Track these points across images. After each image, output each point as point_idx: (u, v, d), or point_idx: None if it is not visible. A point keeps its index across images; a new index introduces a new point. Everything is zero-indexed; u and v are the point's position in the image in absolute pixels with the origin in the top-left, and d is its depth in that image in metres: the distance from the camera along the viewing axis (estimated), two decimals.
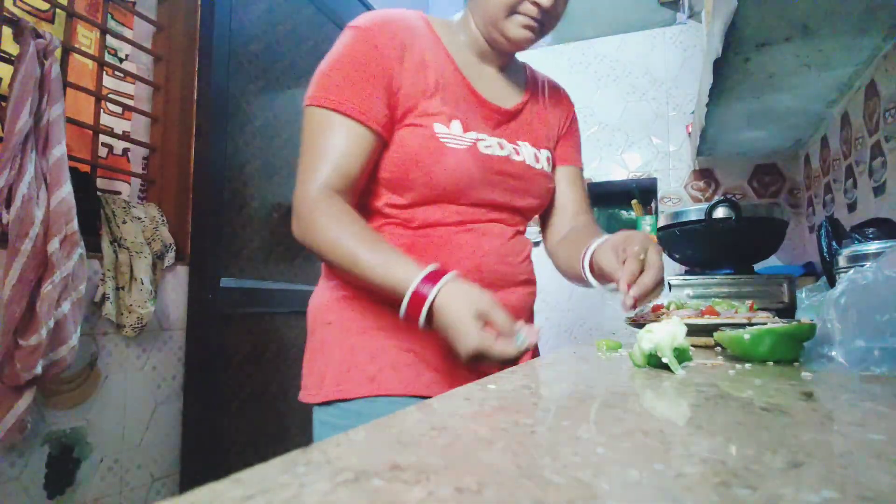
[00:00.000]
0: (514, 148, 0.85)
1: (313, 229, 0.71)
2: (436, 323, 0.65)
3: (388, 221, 0.80)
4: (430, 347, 0.76)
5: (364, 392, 0.73)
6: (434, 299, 0.64)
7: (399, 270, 0.67)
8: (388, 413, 0.31)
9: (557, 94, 0.98)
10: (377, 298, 0.76)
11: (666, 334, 0.51)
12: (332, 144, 0.73)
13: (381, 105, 0.75)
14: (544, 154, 0.90)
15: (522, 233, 0.89)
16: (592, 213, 0.97)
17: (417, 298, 0.64)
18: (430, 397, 0.39)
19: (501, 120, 0.86)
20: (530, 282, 0.88)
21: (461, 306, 0.63)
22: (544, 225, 0.97)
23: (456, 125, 0.79)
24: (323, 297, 0.82)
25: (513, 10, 0.78)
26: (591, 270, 0.78)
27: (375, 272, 0.67)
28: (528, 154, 0.87)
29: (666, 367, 0.51)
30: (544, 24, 0.82)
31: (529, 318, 0.89)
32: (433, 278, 0.65)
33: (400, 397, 0.73)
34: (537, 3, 0.77)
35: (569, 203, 0.94)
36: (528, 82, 0.93)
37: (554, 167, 0.93)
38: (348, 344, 0.76)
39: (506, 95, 0.88)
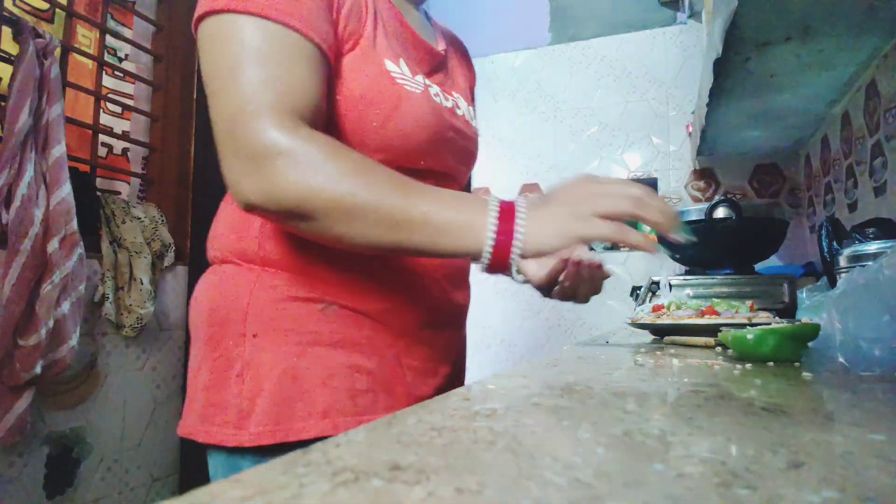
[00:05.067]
0: (454, 100, 0.71)
1: (312, 170, 0.48)
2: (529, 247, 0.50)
3: None
4: (388, 365, 0.61)
5: (314, 432, 0.55)
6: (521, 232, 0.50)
7: (462, 210, 0.50)
8: None
9: (463, 48, 0.84)
10: (326, 300, 0.59)
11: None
12: (295, 75, 0.52)
13: (325, 22, 0.56)
14: (472, 111, 0.75)
15: None
16: None
17: (504, 241, 0.50)
18: None
19: (434, 65, 0.71)
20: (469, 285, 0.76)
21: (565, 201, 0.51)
22: None
23: (403, 65, 0.64)
24: (238, 299, 0.59)
25: None
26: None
27: (433, 221, 0.50)
28: (465, 109, 0.72)
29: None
30: None
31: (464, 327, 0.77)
32: (507, 213, 0.50)
33: None
34: None
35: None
36: (436, 26, 0.79)
37: None
38: (288, 365, 0.57)
39: (429, 36, 0.73)
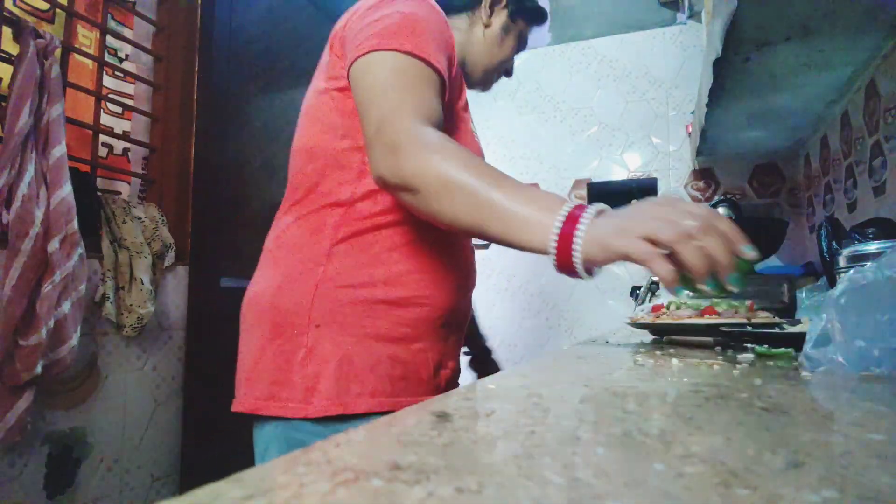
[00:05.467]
0: None
1: (426, 155, 0.58)
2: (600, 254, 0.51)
3: (397, 218, 0.73)
4: (417, 357, 0.73)
5: (365, 407, 0.67)
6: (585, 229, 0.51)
7: (537, 207, 0.54)
8: None
9: None
10: (373, 300, 0.71)
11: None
12: (427, 95, 0.66)
13: (446, 61, 0.71)
14: None
15: None
16: None
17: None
18: None
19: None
20: None
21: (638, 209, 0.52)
22: None
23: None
24: (304, 294, 0.71)
25: (502, 72, 0.96)
26: None
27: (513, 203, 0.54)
28: None
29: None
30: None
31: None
32: (573, 217, 0.52)
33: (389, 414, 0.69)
34: (508, 72, 0.99)
35: None
36: None
37: None
38: (345, 352, 0.68)
39: None
